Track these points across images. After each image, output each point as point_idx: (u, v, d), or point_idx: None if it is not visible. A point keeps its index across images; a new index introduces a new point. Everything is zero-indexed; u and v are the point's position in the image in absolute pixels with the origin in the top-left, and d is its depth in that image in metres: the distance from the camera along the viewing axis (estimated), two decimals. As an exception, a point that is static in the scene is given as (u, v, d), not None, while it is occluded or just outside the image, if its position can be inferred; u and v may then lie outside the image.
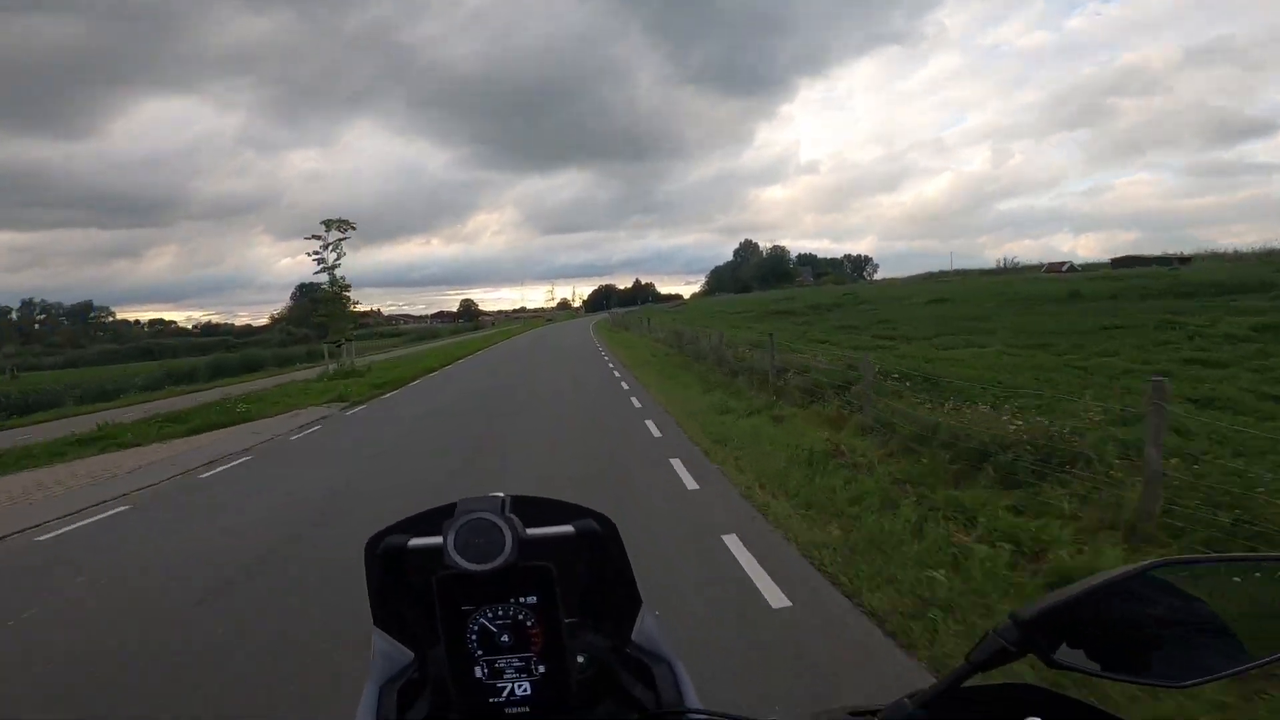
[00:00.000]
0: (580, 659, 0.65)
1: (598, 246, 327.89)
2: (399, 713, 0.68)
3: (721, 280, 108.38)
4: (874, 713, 0.56)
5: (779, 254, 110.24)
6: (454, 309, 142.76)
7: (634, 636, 0.72)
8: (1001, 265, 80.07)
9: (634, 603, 0.71)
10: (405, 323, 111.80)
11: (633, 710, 0.67)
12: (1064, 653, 0.52)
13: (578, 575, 0.69)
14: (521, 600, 0.60)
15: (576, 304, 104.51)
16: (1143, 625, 0.53)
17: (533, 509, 0.67)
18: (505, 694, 0.60)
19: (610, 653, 0.69)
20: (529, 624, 0.60)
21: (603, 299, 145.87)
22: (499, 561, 0.57)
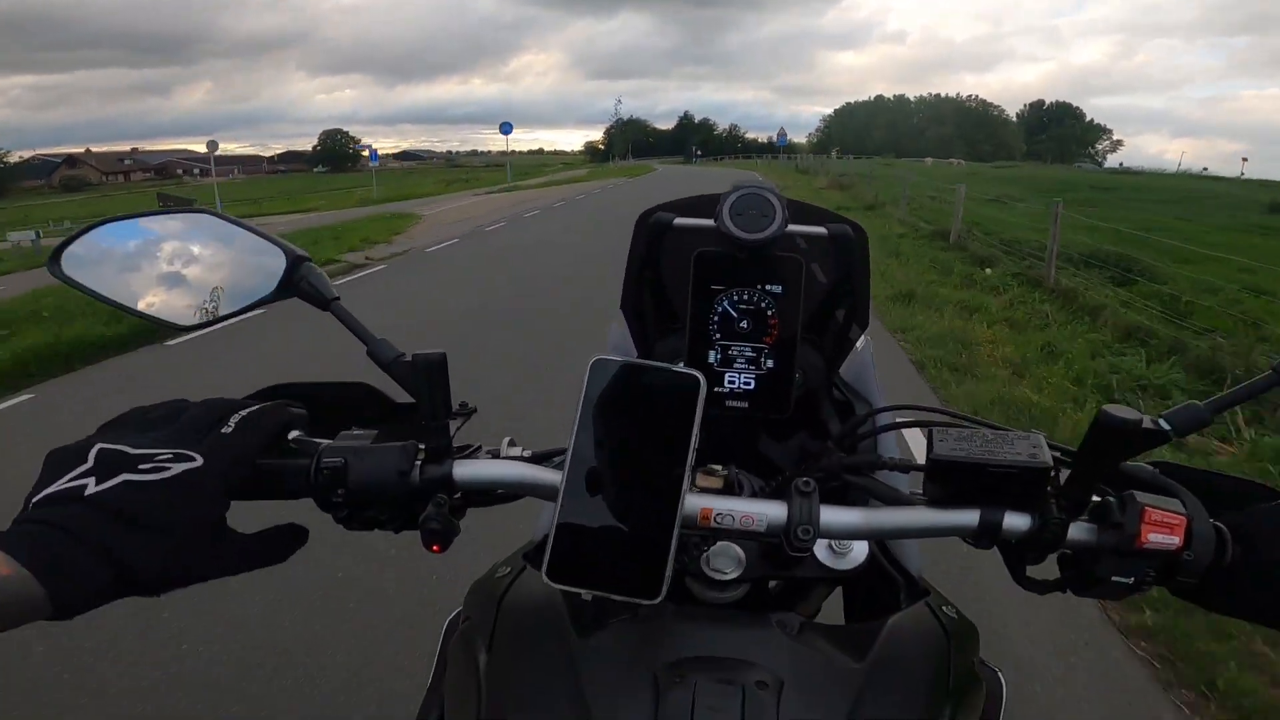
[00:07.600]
0: (798, 374, 0.66)
1: (645, 95, 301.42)
2: None
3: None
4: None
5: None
6: (497, 149, 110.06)
7: (843, 371, 0.74)
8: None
9: (860, 324, 0.71)
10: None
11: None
12: None
13: (819, 284, 0.71)
14: (768, 288, 0.62)
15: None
16: None
17: (793, 207, 0.66)
18: (729, 385, 0.63)
19: (821, 378, 0.72)
20: (770, 313, 0.63)
21: (638, 144, 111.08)
22: (770, 231, 0.59)
